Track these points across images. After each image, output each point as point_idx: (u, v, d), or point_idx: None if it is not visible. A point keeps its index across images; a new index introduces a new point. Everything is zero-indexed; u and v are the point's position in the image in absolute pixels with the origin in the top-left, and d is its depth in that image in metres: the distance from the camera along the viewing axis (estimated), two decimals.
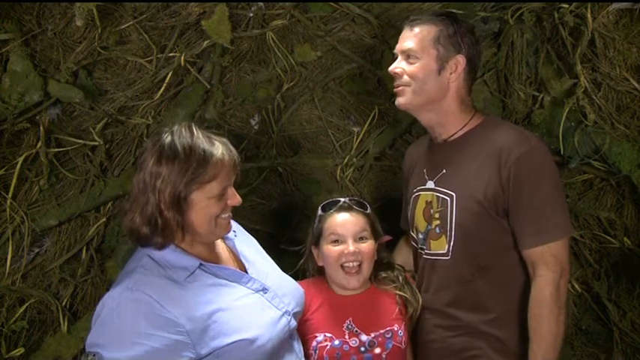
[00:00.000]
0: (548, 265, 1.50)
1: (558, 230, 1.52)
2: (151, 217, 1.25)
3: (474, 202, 1.55)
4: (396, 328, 1.63)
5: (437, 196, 1.63)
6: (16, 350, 2.08)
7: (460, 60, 1.60)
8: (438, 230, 1.62)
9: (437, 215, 1.62)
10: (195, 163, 1.25)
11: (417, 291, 1.71)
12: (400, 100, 1.63)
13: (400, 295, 1.67)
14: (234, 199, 1.34)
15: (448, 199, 1.60)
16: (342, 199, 1.71)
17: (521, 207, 1.52)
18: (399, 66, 1.62)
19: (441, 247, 1.61)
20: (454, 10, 1.89)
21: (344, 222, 1.66)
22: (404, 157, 1.93)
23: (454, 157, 1.63)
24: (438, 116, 1.64)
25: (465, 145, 1.63)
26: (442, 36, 1.59)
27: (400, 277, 1.71)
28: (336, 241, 1.65)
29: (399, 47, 1.64)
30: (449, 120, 1.64)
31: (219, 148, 1.30)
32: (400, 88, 1.62)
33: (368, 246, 1.65)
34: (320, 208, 1.72)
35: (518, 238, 1.54)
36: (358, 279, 1.64)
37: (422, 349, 1.69)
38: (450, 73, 1.60)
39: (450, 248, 1.59)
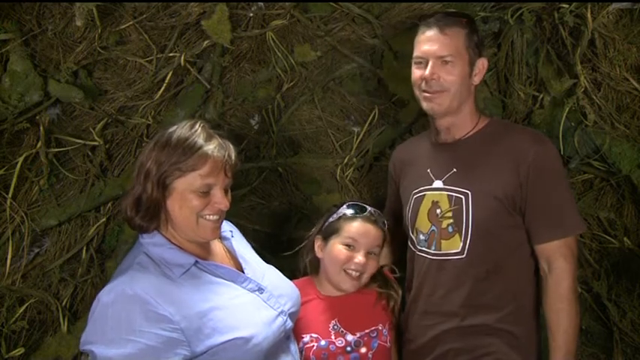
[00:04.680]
0: (566, 258, 1.54)
1: (576, 225, 1.58)
2: (138, 197, 1.29)
3: (492, 199, 1.57)
4: (380, 327, 1.65)
5: (448, 195, 1.63)
6: (16, 350, 2.08)
7: (483, 63, 1.64)
8: (450, 229, 1.61)
9: (449, 214, 1.62)
10: (181, 150, 1.28)
11: (396, 284, 1.75)
12: (435, 107, 1.63)
13: (382, 293, 1.70)
14: (221, 202, 1.32)
15: (462, 197, 1.60)
16: (370, 208, 1.70)
17: (540, 202, 1.55)
18: (436, 72, 1.60)
19: (454, 246, 1.61)
20: (454, 10, 1.89)
21: (366, 232, 1.66)
22: (391, 159, 1.93)
23: (464, 157, 1.65)
24: (458, 118, 1.66)
25: (475, 145, 1.65)
26: (470, 39, 1.61)
27: (379, 275, 1.74)
28: (349, 246, 1.66)
29: (430, 51, 1.60)
30: (465, 121, 1.67)
31: (212, 145, 1.31)
32: (436, 94, 1.61)
33: (374, 263, 1.68)
34: (345, 206, 1.71)
35: (535, 232, 1.57)
36: (355, 285, 1.67)
37: (428, 353, 1.66)
38: (475, 75, 1.64)
39: (466, 246, 1.59)
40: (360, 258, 1.64)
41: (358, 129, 2.36)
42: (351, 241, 1.65)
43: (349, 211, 1.69)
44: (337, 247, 1.66)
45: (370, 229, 1.67)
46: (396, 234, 1.86)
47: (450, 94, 1.61)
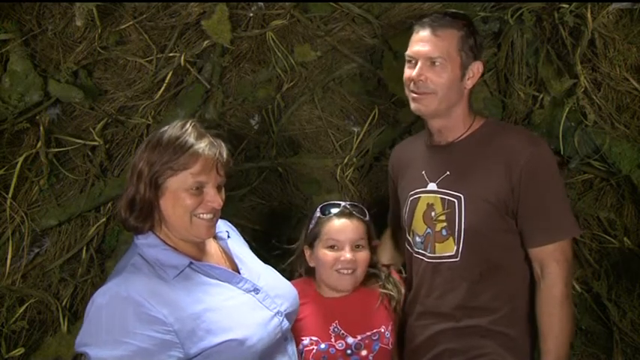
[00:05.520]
0: (559, 263, 1.53)
1: (570, 229, 1.56)
2: (132, 198, 1.30)
3: (484, 203, 1.55)
4: (382, 330, 1.63)
5: (441, 198, 1.62)
6: (16, 350, 2.08)
7: (479, 67, 1.61)
8: (444, 232, 1.61)
9: (442, 217, 1.61)
10: (172, 149, 1.28)
11: (399, 283, 1.73)
12: (421, 108, 1.61)
13: (384, 293, 1.69)
14: (214, 200, 1.32)
15: (455, 200, 1.59)
16: (343, 204, 1.69)
17: (533, 207, 1.53)
18: (423, 73, 1.58)
19: (448, 249, 1.60)
20: (454, 10, 1.89)
21: (343, 228, 1.65)
22: (390, 159, 1.92)
23: (458, 159, 1.63)
24: (449, 121, 1.64)
25: (468, 147, 1.63)
26: (464, 42, 1.57)
27: (383, 274, 1.72)
28: (332, 247, 1.64)
29: (420, 52, 1.59)
30: (458, 124, 1.65)
31: (203, 143, 1.31)
32: (423, 95, 1.59)
33: (363, 255, 1.66)
34: (319, 209, 1.70)
35: (529, 236, 1.56)
36: (351, 282, 1.65)
37: (425, 353, 1.66)
38: (468, 79, 1.61)
39: (460, 250, 1.58)
40: (346, 256, 1.62)
41: (358, 129, 2.36)
42: (332, 242, 1.64)
43: (323, 213, 1.68)
44: (322, 251, 1.65)
45: (347, 224, 1.65)
46: (404, 235, 1.85)
47: (437, 96, 1.58)
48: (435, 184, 1.65)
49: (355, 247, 1.64)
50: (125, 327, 1.17)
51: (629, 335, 2.15)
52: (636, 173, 2.06)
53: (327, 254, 1.64)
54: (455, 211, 1.59)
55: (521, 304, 1.60)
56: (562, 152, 2.13)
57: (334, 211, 1.68)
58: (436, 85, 1.57)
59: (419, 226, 1.68)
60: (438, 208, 1.63)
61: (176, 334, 1.20)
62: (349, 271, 1.63)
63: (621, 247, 2.17)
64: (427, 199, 1.66)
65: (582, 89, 2.06)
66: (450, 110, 1.62)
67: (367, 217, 1.70)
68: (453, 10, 1.67)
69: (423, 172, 1.69)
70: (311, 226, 1.70)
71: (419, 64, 1.59)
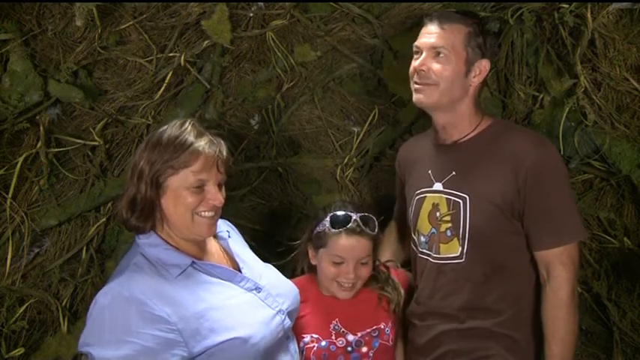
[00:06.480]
0: (565, 266, 1.51)
1: (576, 232, 1.55)
2: (132, 198, 1.30)
3: (490, 205, 1.55)
4: (382, 326, 1.64)
5: (447, 198, 1.61)
6: (16, 350, 2.08)
7: (486, 65, 1.61)
8: (449, 233, 1.60)
9: (447, 218, 1.60)
10: (172, 148, 1.28)
11: (399, 285, 1.72)
12: (422, 99, 1.60)
13: (383, 295, 1.68)
14: (215, 198, 1.32)
15: (460, 201, 1.58)
16: (354, 216, 1.63)
17: (539, 209, 1.53)
18: (426, 63, 1.58)
19: (453, 250, 1.59)
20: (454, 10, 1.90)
21: (351, 247, 1.62)
22: (397, 156, 1.91)
23: (464, 160, 1.62)
24: (453, 117, 1.63)
25: (475, 148, 1.62)
26: (471, 38, 1.57)
27: (382, 276, 1.72)
28: (337, 263, 1.63)
29: (425, 43, 1.59)
30: (463, 122, 1.64)
31: (203, 141, 1.31)
32: (424, 86, 1.59)
33: (366, 270, 1.66)
34: (329, 220, 1.64)
35: (535, 239, 1.55)
36: (349, 294, 1.66)
37: (428, 354, 1.65)
38: (474, 77, 1.60)
39: (464, 251, 1.58)
40: (349, 272, 1.62)
41: (358, 129, 2.36)
42: (338, 259, 1.63)
43: (333, 227, 1.63)
44: (325, 263, 1.65)
45: (355, 243, 1.62)
46: (409, 232, 1.84)
47: (438, 88, 1.57)
48: (440, 184, 1.65)
49: (359, 264, 1.64)
50: (128, 326, 1.17)
51: (629, 335, 2.15)
52: (636, 173, 2.06)
53: (330, 268, 1.64)
54: (460, 212, 1.58)
55: (527, 306, 1.59)
56: (562, 152, 2.13)
57: (344, 222, 1.63)
58: (438, 76, 1.57)
59: (424, 225, 1.67)
60: (443, 208, 1.62)
61: (180, 332, 1.20)
62: (349, 284, 1.64)
63: (621, 247, 2.17)
64: (433, 198, 1.66)
65: (582, 89, 2.06)
66: (454, 105, 1.61)
67: (376, 231, 1.67)
68: (463, 10, 1.67)
69: (430, 172, 1.68)
70: (318, 229, 1.67)
71: (423, 54, 1.59)
